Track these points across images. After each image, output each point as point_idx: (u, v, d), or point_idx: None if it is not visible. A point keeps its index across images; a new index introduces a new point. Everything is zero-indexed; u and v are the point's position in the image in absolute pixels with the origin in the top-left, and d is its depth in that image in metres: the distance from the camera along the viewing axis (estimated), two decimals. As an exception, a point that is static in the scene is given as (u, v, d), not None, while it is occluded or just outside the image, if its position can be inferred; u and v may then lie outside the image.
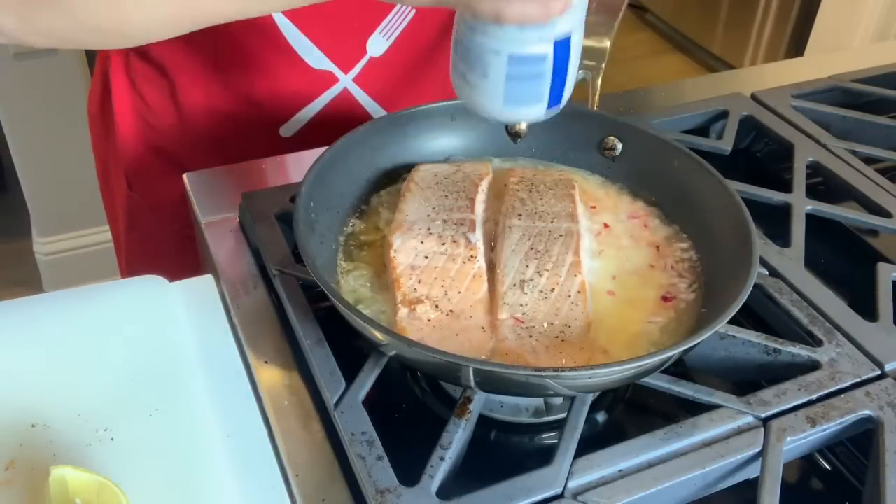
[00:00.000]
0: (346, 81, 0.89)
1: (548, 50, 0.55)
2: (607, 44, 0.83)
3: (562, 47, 0.55)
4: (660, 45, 3.38)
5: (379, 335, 0.55)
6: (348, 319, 0.57)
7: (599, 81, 0.82)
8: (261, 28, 0.83)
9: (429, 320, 0.60)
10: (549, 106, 0.59)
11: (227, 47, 0.85)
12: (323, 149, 0.69)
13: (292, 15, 0.83)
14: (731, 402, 0.58)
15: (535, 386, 0.55)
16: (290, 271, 0.67)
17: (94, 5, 0.59)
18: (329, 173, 0.69)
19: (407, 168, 0.75)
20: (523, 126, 0.78)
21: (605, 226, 0.71)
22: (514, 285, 0.63)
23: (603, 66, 0.83)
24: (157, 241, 1.02)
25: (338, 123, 0.90)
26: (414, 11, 0.87)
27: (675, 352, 0.54)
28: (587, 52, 0.83)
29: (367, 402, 0.57)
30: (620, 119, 0.78)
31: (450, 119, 0.77)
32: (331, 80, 0.89)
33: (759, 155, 0.95)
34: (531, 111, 0.59)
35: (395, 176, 0.76)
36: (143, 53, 0.91)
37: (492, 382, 0.56)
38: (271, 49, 0.85)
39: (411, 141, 0.77)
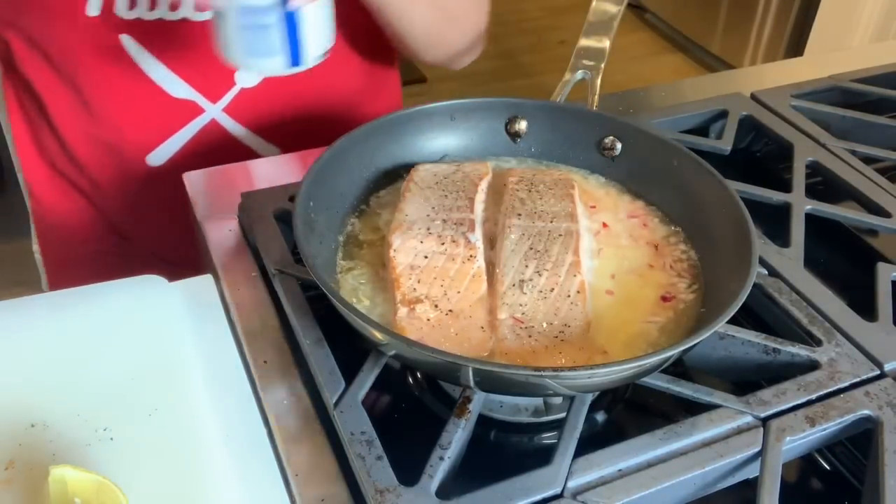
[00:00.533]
0: (214, 112, 0.87)
1: (272, 2, 0.61)
2: (606, 44, 0.84)
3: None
4: (660, 45, 3.39)
5: (378, 335, 0.55)
6: (348, 319, 0.57)
7: (599, 81, 0.82)
8: (114, 55, 0.81)
9: (428, 320, 0.60)
10: (293, 63, 0.66)
11: (82, 72, 0.83)
12: (323, 149, 0.69)
13: (148, 44, 0.81)
14: (731, 401, 0.58)
15: (535, 386, 0.55)
16: (289, 271, 0.67)
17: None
18: (328, 173, 0.69)
19: (406, 168, 0.75)
20: (523, 126, 0.78)
21: (604, 225, 0.71)
22: (514, 285, 0.63)
23: (602, 65, 0.83)
24: (66, 254, 1.01)
25: (210, 153, 0.88)
26: None
27: (674, 351, 0.54)
28: (586, 52, 0.83)
29: (366, 401, 0.57)
30: (620, 119, 0.78)
31: (449, 119, 0.77)
32: (196, 109, 0.86)
33: (759, 155, 0.95)
34: (270, 63, 0.66)
35: (395, 175, 0.76)
36: (17, 71, 0.88)
37: (491, 382, 0.56)
38: (126, 77, 0.83)
39: (411, 141, 0.77)
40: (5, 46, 0.87)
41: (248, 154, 0.91)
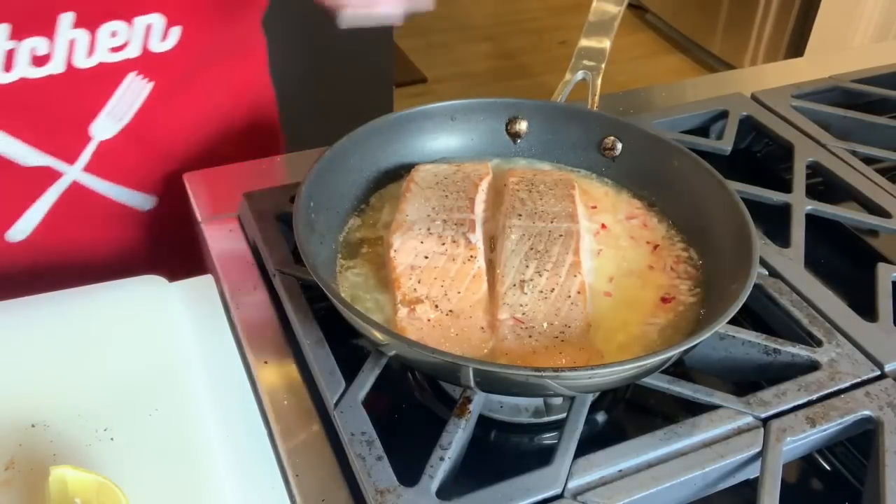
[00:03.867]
0: (73, 173, 0.79)
1: None
2: (607, 44, 0.83)
3: None
4: (660, 45, 3.39)
5: (379, 335, 0.55)
6: (348, 319, 0.57)
7: (599, 81, 0.82)
8: None
9: (428, 320, 0.60)
10: None
11: None
12: (322, 149, 0.69)
13: None
14: (731, 402, 0.58)
15: (535, 386, 0.55)
16: (289, 271, 0.67)
17: None
18: (329, 173, 0.69)
19: (406, 168, 0.75)
20: (523, 126, 0.78)
21: (603, 226, 0.71)
22: (514, 285, 0.63)
23: (603, 65, 0.83)
24: None
25: (78, 219, 0.82)
26: (150, 84, 0.78)
27: (675, 352, 0.54)
28: (587, 52, 0.83)
29: (366, 402, 0.57)
30: (620, 119, 0.78)
31: (450, 119, 0.77)
32: (53, 174, 0.78)
33: (759, 155, 0.95)
34: None
35: (395, 176, 0.76)
36: None
37: (491, 382, 0.56)
38: None
39: (411, 141, 0.77)
40: None
41: (119, 210, 0.84)
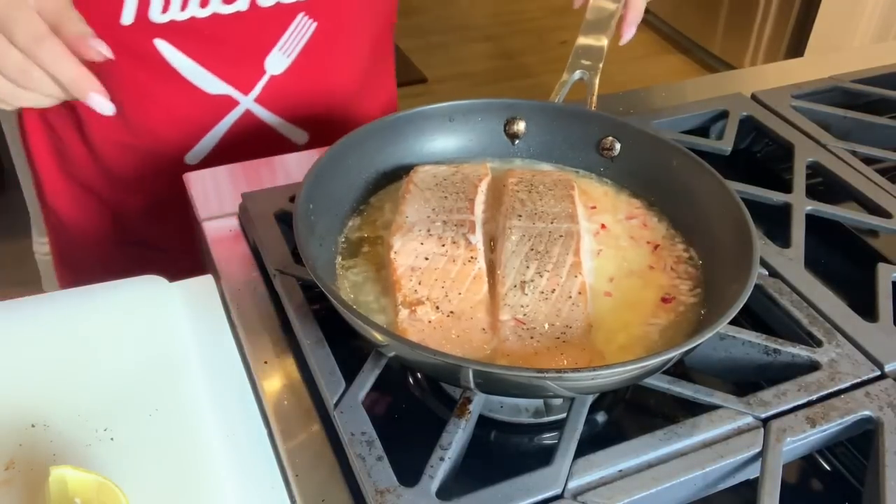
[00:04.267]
0: (247, 103, 0.89)
1: None
2: (605, 43, 0.83)
3: None
4: (660, 45, 3.39)
5: (380, 337, 0.55)
6: (349, 321, 0.57)
7: (597, 81, 0.82)
8: (147, 59, 0.83)
9: (429, 322, 0.60)
10: None
11: (116, 79, 0.82)
12: (322, 149, 0.69)
13: (181, 45, 0.83)
14: (731, 402, 0.58)
15: (537, 388, 0.55)
16: (289, 271, 0.67)
17: None
18: (327, 175, 0.69)
19: (405, 169, 0.75)
20: (521, 127, 0.78)
21: (603, 226, 0.71)
22: (515, 286, 0.63)
23: (600, 65, 0.83)
24: (82, 266, 1.02)
25: (244, 144, 0.91)
26: (315, 24, 0.87)
27: (676, 353, 0.54)
28: (584, 52, 0.83)
29: (367, 402, 0.57)
30: (619, 119, 0.78)
31: (448, 120, 0.77)
32: (230, 103, 0.89)
33: (759, 155, 0.95)
34: None
35: (394, 177, 0.76)
36: None
37: (493, 384, 0.56)
38: (163, 81, 0.84)
39: (409, 142, 0.77)
40: None
41: (279, 142, 0.94)
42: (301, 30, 0.87)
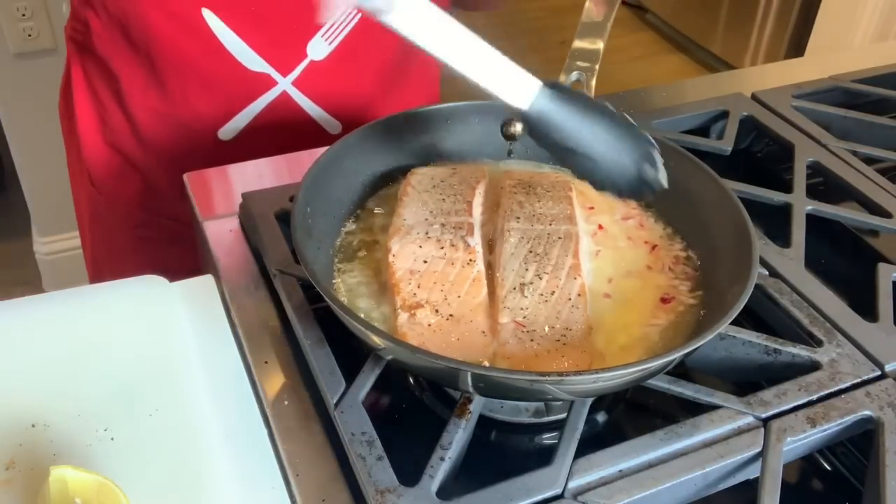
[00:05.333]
0: (284, 84, 0.89)
1: None
2: (600, 45, 0.83)
3: None
4: (660, 45, 3.38)
5: (379, 341, 0.55)
6: (348, 325, 0.57)
7: (594, 82, 0.82)
8: (193, 29, 0.83)
9: (429, 325, 0.60)
10: None
11: (160, 48, 0.86)
12: (322, 149, 0.69)
13: (227, 17, 0.83)
14: (732, 402, 0.58)
15: (538, 391, 0.54)
16: (289, 271, 0.66)
17: None
18: (325, 178, 0.69)
19: (403, 171, 0.75)
20: (518, 128, 0.78)
21: (600, 227, 0.71)
22: (514, 289, 0.63)
23: (597, 66, 0.83)
24: (116, 240, 1.03)
25: (278, 127, 0.91)
26: (359, 15, 0.87)
27: (678, 355, 0.54)
28: (580, 54, 0.83)
29: (367, 402, 0.57)
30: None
31: (445, 122, 0.77)
32: (269, 83, 0.89)
33: (760, 155, 0.95)
34: None
35: (391, 179, 0.76)
36: (93, 51, 0.91)
37: (494, 388, 0.56)
38: (205, 51, 0.85)
39: (406, 144, 0.76)
40: (84, 27, 0.90)
41: (312, 129, 0.94)
42: (345, 18, 0.87)
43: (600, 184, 0.62)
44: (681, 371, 0.63)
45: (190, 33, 0.84)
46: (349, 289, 0.65)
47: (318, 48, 0.88)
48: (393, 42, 0.93)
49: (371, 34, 0.89)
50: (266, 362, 0.63)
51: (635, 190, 0.62)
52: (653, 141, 0.63)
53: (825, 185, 0.85)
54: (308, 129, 0.93)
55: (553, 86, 0.61)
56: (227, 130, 0.91)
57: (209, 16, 0.83)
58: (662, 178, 0.61)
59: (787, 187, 0.80)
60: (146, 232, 1.00)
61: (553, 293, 0.62)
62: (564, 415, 0.57)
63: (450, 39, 0.57)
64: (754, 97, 0.95)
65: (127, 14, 0.85)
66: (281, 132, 0.89)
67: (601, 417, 0.64)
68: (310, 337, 0.61)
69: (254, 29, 0.85)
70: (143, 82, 0.89)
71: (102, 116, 0.95)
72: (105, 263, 1.06)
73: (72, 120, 0.98)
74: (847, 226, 0.81)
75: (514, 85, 0.59)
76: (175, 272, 0.72)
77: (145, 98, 0.90)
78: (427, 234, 0.66)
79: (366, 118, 0.90)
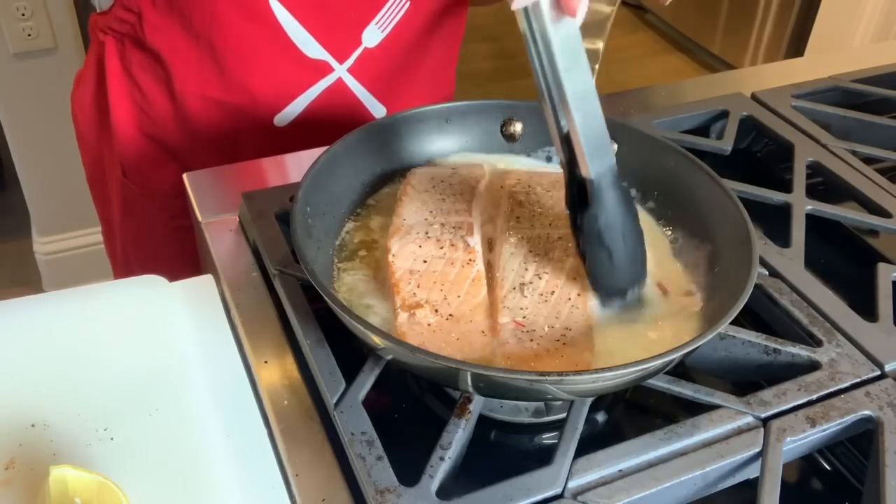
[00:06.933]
0: (340, 71, 0.91)
1: None
2: (600, 45, 0.83)
3: None
4: (660, 45, 3.38)
5: (379, 341, 0.55)
6: (347, 325, 0.57)
7: (594, 83, 0.82)
8: (259, 17, 0.85)
9: (429, 325, 0.60)
10: None
11: (223, 35, 0.87)
12: (321, 149, 0.69)
13: (289, 4, 0.85)
14: (731, 402, 0.58)
15: (538, 391, 0.55)
16: (289, 271, 0.67)
17: None
18: (325, 178, 0.69)
19: (402, 171, 0.75)
20: (518, 128, 0.78)
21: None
22: (514, 289, 0.63)
23: (597, 66, 0.83)
24: (150, 231, 1.03)
25: (332, 114, 0.93)
26: (408, 4, 0.88)
27: (677, 355, 0.54)
28: None
29: (366, 402, 0.57)
30: (614, 119, 0.78)
31: (444, 122, 0.77)
32: (326, 69, 0.90)
33: (760, 155, 0.95)
34: None
35: (391, 179, 0.76)
36: (139, 41, 0.91)
37: (494, 388, 0.56)
38: (268, 38, 0.86)
39: (406, 144, 0.77)
40: (136, 18, 0.90)
41: (362, 115, 0.96)
42: (397, 7, 0.89)
43: (594, 271, 0.63)
44: (680, 371, 0.64)
45: (256, 20, 0.85)
46: (349, 288, 0.65)
47: (372, 35, 0.90)
48: (438, 32, 0.96)
49: (419, 20, 0.92)
50: (266, 362, 0.63)
51: (609, 296, 0.63)
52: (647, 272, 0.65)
53: (825, 185, 0.85)
54: (358, 114, 0.95)
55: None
56: (283, 117, 0.93)
57: (274, 3, 0.84)
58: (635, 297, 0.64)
59: (786, 187, 0.80)
60: (183, 221, 1.00)
61: (553, 293, 0.62)
62: (564, 415, 0.57)
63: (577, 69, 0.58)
64: (754, 97, 0.95)
65: (192, 3, 0.86)
66: (333, 118, 0.91)
67: (601, 417, 0.64)
68: (310, 337, 0.61)
69: (315, 16, 0.87)
70: (199, 70, 0.90)
71: (141, 106, 0.95)
72: (136, 256, 1.06)
73: (102, 112, 0.98)
74: (847, 226, 0.81)
75: (598, 151, 0.60)
76: None
77: (202, 86, 0.91)
78: (427, 233, 0.66)
79: (406, 105, 0.91)
